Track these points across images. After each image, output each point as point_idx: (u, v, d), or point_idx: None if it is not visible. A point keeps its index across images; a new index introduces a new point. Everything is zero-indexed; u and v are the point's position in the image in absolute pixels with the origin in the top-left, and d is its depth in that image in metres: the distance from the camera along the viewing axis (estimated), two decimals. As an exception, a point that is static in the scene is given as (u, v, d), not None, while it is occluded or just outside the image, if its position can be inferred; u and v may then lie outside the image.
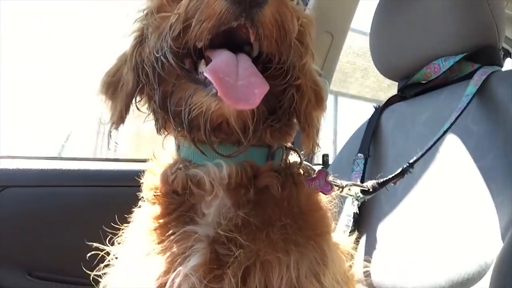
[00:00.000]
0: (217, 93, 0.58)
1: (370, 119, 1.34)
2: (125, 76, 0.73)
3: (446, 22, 1.09)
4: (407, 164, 0.94)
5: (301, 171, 0.78)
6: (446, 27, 1.10)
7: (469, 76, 1.06)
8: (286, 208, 0.69)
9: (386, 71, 1.30)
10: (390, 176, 0.94)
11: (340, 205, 1.19)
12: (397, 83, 1.31)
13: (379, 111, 1.34)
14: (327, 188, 0.79)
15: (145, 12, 0.71)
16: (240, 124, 0.65)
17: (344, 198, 1.20)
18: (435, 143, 0.96)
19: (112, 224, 0.77)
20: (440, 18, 1.10)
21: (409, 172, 0.94)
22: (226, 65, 0.60)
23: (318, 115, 0.77)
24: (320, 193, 0.79)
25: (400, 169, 0.94)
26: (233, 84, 0.58)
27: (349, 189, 0.91)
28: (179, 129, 0.67)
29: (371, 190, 0.94)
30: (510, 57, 2.17)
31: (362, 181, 1.22)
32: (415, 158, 0.95)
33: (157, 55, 0.65)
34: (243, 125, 0.65)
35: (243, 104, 0.58)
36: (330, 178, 0.82)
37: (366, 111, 1.40)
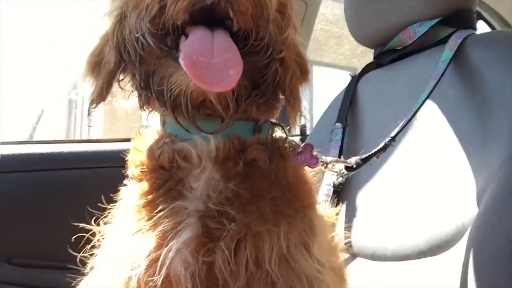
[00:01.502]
0: None
1: (346, 88, 1.34)
2: (107, 55, 0.72)
3: (420, -14, 1.08)
4: (389, 138, 0.94)
5: (287, 146, 0.78)
6: (420, -9, 1.09)
7: (444, 40, 1.06)
8: (274, 181, 0.69)
9: (362, 39, 1.29)
10: (373, 151, 0.95)
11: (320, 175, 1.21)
12: (372, 50, 1.30)
13: (356, 79, 1.33)
14: (313, 161, 0.80)
15: None
16: (221, 101, 0.64)
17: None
18: (415, 113, 0.96)
19: (97, 205, 0.76)
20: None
21: (391, 146, 0.94)
22: (200, 43, 0.59)
23: (303, 87, 0.77)
24: (306, 166, 0.79)
25: (382, 144, 0.94)
26: (207, 63, 0.57)
27: (333, 165, 0.92)
28: (163, 107, 0.66)
29: (355, 166, 0.94)
30: (482, 20, 2.19)
31: (341, 150, 1.22)
32: (396, 131, 0.96)
33: (136, 35, 0.63)
34: (224, 101, 0.64)
35: (217, 86, 0.57)
36: (315, 152, 0.82)
37: (341, 79, 1.39)
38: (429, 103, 1.01)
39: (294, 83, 0.73)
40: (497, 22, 2.16)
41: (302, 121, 0.80)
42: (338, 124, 1.25)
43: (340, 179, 0.93)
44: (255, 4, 0.61)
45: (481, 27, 2.18)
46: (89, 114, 0.75)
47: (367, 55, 1.36)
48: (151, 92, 0.66)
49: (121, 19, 0.70)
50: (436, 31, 1.11)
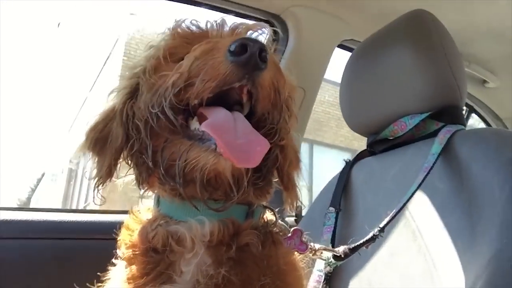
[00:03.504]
0: (215, 148, 0.61)
1: (341, 173, 1.36)
2: (114, 131, 0.74)
3: (411, 82, 1.14)
4: (378, 229, 0.94)
5: (277, 230, 0.78)
6: (411, 87, 1.15)
7: (435, 133, 1.10)
8: (265, 267, 0.69)
9: (355, 126, 1.34)
10: (361, 242, 0.94)
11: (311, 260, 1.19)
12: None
13: (350, 165, 1.36)
14: (302, 247, 0.80)
15: (141, 70, 0.74)
16: (234, 180, 0.67)
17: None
18: (403, 205, 0.97)
19: (89, 278, 0.74)
20: (405, 78, 1.15)
21: (380, 237, 0.94)
22: (224, 122, 0.63)
23: (298, 175, 0.81)
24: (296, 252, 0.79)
25: (371, 234, 0.94)
26: (232, 141, 0.61)
27: (321, 253, 0.90)
28: (171, 183, 0.68)
29: (342, 256, 0.93)
30: (475, 113, 2.28)
31: (334, 235, 1.22)
32: (385, 222, 0.96)
33: (152, 111, 0.67)
34: (237, 180, 0.67)
35: (244, 162, 0.60)
36: (304, 238, 0.82)
37: (340, 160, 1.42)
38: (420, 195, 1.02)
39: (291, 170, 0.76)
40: (488, 115, 2.24)
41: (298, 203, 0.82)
42: (332, 209, 1.26)
43: (328, 268, 0.92)
44: (275, 91, 0.67)
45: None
46: (95, 191, 0.74)
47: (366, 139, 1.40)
48: (158, 168, 0.67)
49: (132, 97, 0.74)
50: (427, 124, 1.16)
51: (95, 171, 0.75)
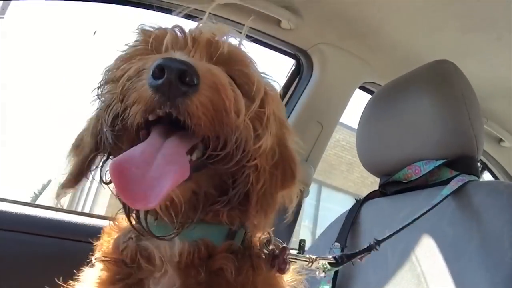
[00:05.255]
0: None
1: (350, 210, 1.36)
2: (85, 139, 0.71)
3: (429, 129, 1.16)
4: (375, 241, 0.95)
5: (264, 251, 0.74)
6: (429, 134, 1.16)
7: (448, 181, 1.11)
8: None
9: (369, 166, 1.35)
10: (358, 251, 0.95)
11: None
12: (379, 180, 1.35)
13: (360, 203, 1.36)
14: (283, 266, 0.74)
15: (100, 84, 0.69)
16: (167, 212, 0.62)
17: (318, 281, 1.18)
18: (404, 227, 0.99)
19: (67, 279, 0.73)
20: (424, 125, 1.17)
21: (375, 250, 0.95)
22: (141, 153, 0.56)
23: (288, 193, 0.73)
24: (280, 275, 0.75)
25: (367, 245, 0.95)
26: (141, 175, 0.53)
27: (318, 262, 0.88)
28: None
29: (339, 261, 0.91)
30: (487, 170, 2.28)
31: (336, 272, 1.21)
32: (383, 237, 0.97)
33: (104, 130, 0.63)
34: (172, 211, 0.61)
35: (139, 203, 0.53)
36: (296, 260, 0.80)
37: (347, 205, 1.43)
38: (427, 239, 1.03)
39: (264, 193, 0.67)
40: (501, 174, 2.24)
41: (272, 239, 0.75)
42: (337, 244, 1.25)
43: (323, 274, 0.89)
44: (214, 117, 0.58)
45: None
46: (57, 197, 0.72)
47: (376, 186, 1.41)
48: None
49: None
50: (441, 171, 1.17)
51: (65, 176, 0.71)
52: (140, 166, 0.54)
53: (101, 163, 0.68)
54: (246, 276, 0.66)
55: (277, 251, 0.74)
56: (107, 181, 0.64)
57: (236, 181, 0.64)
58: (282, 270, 0.74)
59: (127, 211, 0.63)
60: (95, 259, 0.71)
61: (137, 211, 0.62)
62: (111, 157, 0.67)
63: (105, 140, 0.64)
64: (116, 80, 0.63)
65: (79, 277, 0.72)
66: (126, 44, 0.70)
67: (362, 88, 1.84)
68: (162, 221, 0.63)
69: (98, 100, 0.68)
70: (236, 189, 0.64)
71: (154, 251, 0.65)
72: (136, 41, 0.69)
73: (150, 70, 0.55)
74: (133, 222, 0.64)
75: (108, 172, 0.59)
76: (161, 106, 0.56)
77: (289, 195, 0.74)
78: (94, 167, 0.70)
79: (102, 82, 0.68)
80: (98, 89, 0.68)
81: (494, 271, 0.83)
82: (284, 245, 0.76)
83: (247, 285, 0.66)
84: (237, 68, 0.67)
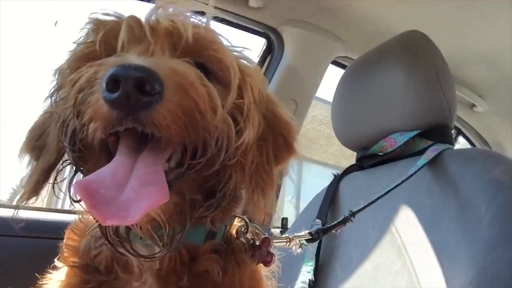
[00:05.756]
0: None
1: (329, 186, 1.37)
2: (50, 143, 0.63)
3: (402, 100, 1.16)
4: (350, 212, 0.96)
5: (242, 240, 0.70)
6: (402, 105, 1.16)
7: (423, 151, 1.11)
8: None
9: (346, 141, 1.36)
10: (332, 224, 0.96)
11: (295, 271, 1.19)
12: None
13: (338, 179, 1.37)
14: (269, 258, 0.72)
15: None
16: (149, 234, 0.56)
17: (299, 265, 1.19)
18: (379, 197, 1.00)
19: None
20: (396, 96, 1.17)
21: (350, 221, 0.96)
22: (111, 175, 0.49)
23: (283, 167, 0.68)
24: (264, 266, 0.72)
25: (342, 217, 0.96)
26: (111, 198, 0.47)
27: (293, 239, 0.86)
28: None
29: (314, 236, 0.90)
30: (462, 136, 2.32)
31: (319, 249, 1.23)
32: (358, 208, 0.98)
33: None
34: (155, 233, 0.56)
35: (112, 221, 0.46)
36: (275, 243, 0.76)
37: (328, 177, 1.43)
38: (406, 210, 1.04)
39: (257, 169, 0.62)
40: (475, 139, 2.28)
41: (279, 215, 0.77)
42: (318, 220, 1.26)
43: (299, 250, 0.89)
44: (186, 120, 0.51)
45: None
46: (15, 211, 0.62)
47: (355, 158, 1.41)
48: None
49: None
50: (416, 142, 1.18)
51: (24, 181, 0.63)
52: (112, 188, 0.47)
53: (68, 179, 0.60)
54: (233, 275, 0.63)
55: (257, 241, 0.71)
56: (77, 199, 0.54)
57: (221, 181, 0.59)
58: (268, 263, 0.71)
59: (103, 227, 0.56)
60: (62, 260, 0.65)
61: (117, 228, 0.55)
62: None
63: (68, 157, 0.57)
64: (69, 85, 0.55)
65: (44, 280, 0.66)
66: (74, 42, 0.61)
67: (335, 63, 1.83)
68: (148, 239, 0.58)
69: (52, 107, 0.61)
70: (222, 190, 0.59)
71: (132, 259, 0.59)
72: (87, 35, 0.61)
73: (103, 82, 0.47)
74: (110, 236, 0.56)
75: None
76: (122, 122, 0.48)
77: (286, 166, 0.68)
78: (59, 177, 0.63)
79: (54, 87, 0.61)
80: (50, 97, 0.61)
81: (472, 238, 0.85)
82: (266, 235, 0.73)
83: (234, 284, 0.63)
84: (207, 54, 0.60)
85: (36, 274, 0.67)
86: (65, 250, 0.65)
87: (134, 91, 0.46)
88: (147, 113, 0.47)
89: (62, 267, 0.65)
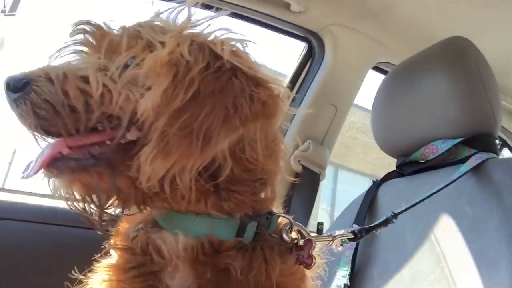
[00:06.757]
0: None
1: (367, 191, 1.36)
2: None
3: (445, 107, 1.14)
4: (392, 214, 0.95)
5: (285, 237, 0.69)
6: (445, 112, 1.15)
7: (465, 160, 1.09)
8: None
9: (386, 147, 1.34)
10: (375, 224, 0.94)
11: (330, 274, 1.19)
12: (395, 161, 1.34)
13: (377, 185, 1.36)
14: (310, 261, 0.70)
15: None
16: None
17: (334, 269, 1.19)
18: (422, 200, 0.99)
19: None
20: (440, 103, 1.15)
21: (392, 222, 0.94)
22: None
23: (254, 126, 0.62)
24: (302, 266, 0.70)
25: (384, 218, 0.94)
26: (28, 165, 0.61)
27: (336, 238, 0.85)
28: None
29: (358, 235, 0.89)
30: (507, 147, 2.24)
31: (355, 254, 1.22)
32: (400, 210, 0.96)
33: None
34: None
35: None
36: (317, 248, 0.74)
37: (364, 186, 1.42)
38: (446, 219, 1.02)
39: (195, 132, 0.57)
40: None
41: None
42: (355, 226, 1.25)
43: (340, 248, 0.88)
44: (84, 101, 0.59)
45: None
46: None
47: (393, 167, 1.40)
48: None
49: None
50: (459, 150, 1.15)
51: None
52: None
53: None
54: (259, 272, 0.62)
55: (301, 242, 0.71)
56: None
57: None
58: (308, 265, 0.70)
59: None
60: (108, 245, 0.70)
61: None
62: None
63: None
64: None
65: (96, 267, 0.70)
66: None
67: (376, 68, 1.82)
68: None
69: None
70: (136, 163, 0.59)
71: (162, 245, 0.62)
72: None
73: None
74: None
75: None
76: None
77: (262, 127, 0.62)
78: None
79: None
80: None
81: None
82: (310, 237, 0.72)
83: (261, 281, 0.62)
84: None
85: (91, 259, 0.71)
86: (114, 235, 0.70)
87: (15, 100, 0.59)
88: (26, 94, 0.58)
89: (111, 251, 0.70)
